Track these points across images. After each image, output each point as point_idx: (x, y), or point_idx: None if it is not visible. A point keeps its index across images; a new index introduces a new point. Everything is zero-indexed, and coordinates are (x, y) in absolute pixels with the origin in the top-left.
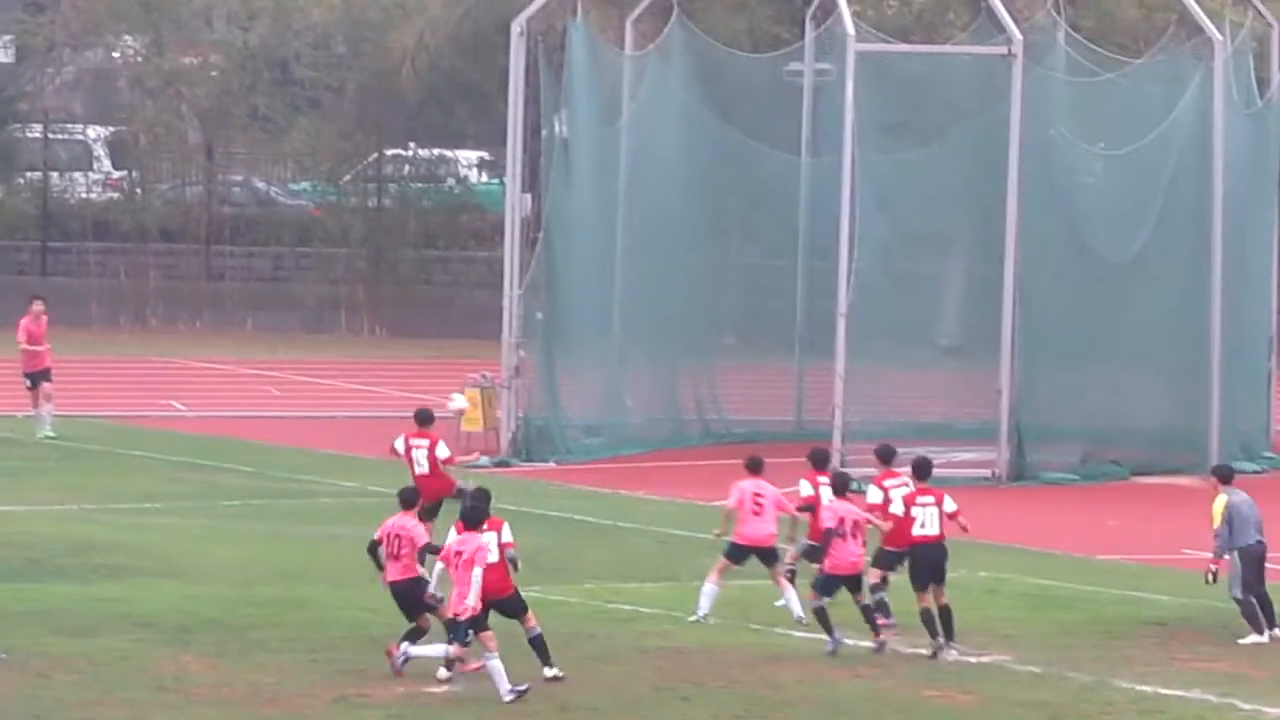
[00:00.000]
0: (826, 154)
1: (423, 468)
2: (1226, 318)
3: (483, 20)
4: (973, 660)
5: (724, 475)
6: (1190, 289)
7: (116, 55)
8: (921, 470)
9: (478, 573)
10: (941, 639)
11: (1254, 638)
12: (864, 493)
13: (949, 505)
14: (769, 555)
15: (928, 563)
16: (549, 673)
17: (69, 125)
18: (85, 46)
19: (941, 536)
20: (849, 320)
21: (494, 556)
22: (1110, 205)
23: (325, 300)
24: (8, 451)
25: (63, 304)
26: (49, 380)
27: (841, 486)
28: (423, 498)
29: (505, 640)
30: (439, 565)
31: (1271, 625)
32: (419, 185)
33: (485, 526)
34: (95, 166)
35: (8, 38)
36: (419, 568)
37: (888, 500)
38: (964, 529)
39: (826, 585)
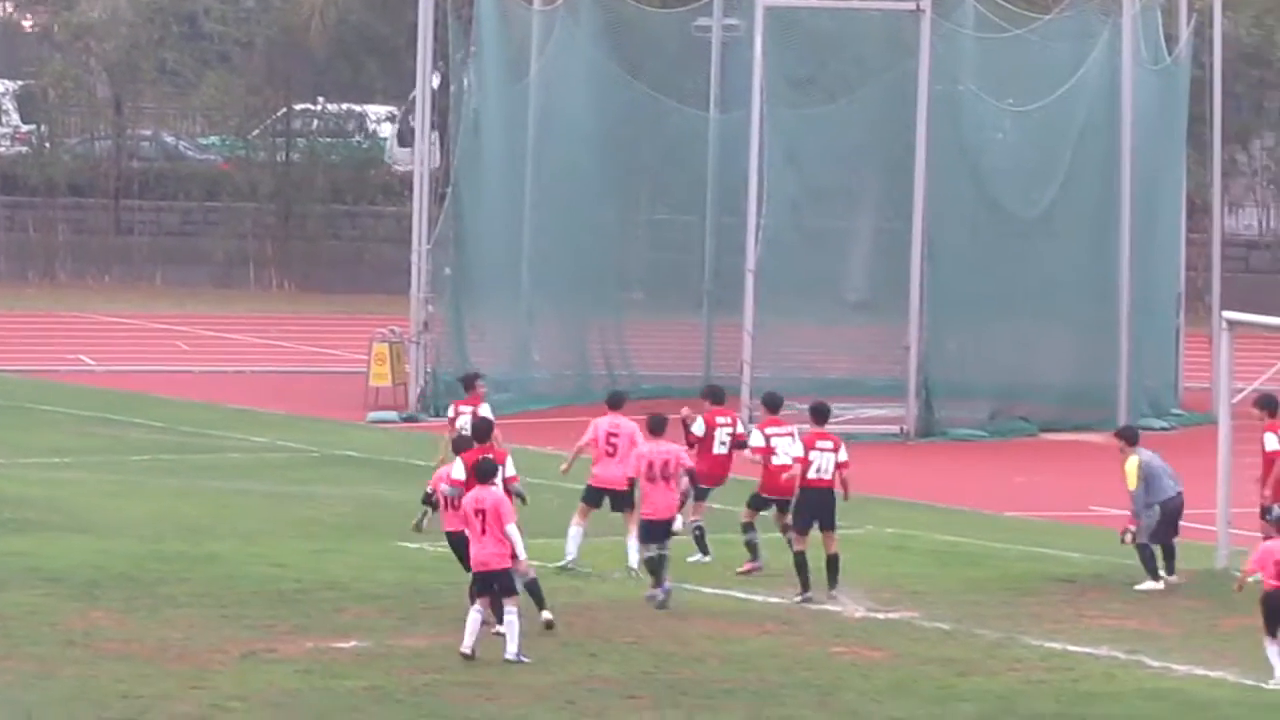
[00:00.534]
0: (735, 109)
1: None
2: (1135, 274)
3: None
4: (880, 617)
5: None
6: (1099, 245)
7: (25, 9)
8: (820, 414)
9: (511, 528)
10: (812, 593)
11: (1149, 584)
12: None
13: (842, 455)
14: (621, 499)
15: (815, 505)
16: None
17: None
18: None
19: (833, 483)
20: (757, 276)
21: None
22: (1018, 161)
23: (234, 255)
24: None
25: None
26: None
27: (656, 427)
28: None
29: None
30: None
31: (1170, 571)
32: (327, 140)
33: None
34: (3, 120)
35: None
36: None
37: (769, 448)
38: (844, 486)
39: (650, 533)
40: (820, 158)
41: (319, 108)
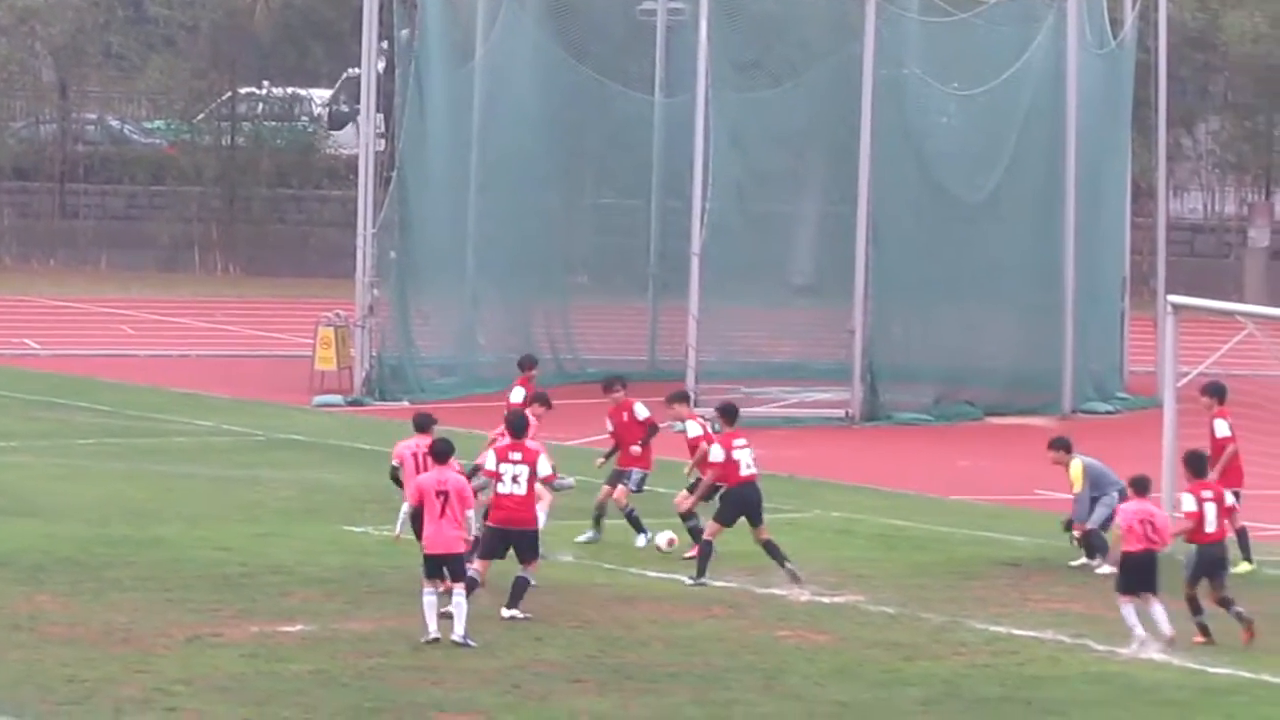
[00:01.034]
0: (680, 93)
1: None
2: (1080, 258)
3: None
4: (826, 600)
5: (579, 415)
6: (1044, 229)
7: None
8: (729, 414)
9: (470, 513)
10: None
11: (1108, 566)
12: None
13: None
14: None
15: (745, 501)
16: (506, 613)
17: None
18: None
19: (755, 477)
20: (702, 260)
21: (522, 489)
22: (963, 146)
23: (179, 239)
24: None
25: None
26: None
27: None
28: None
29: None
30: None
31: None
32: (272, 124)
33: (519, 457)
34: None
35: None
36: None
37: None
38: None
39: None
40: (765, 142)
41: (264, 91)
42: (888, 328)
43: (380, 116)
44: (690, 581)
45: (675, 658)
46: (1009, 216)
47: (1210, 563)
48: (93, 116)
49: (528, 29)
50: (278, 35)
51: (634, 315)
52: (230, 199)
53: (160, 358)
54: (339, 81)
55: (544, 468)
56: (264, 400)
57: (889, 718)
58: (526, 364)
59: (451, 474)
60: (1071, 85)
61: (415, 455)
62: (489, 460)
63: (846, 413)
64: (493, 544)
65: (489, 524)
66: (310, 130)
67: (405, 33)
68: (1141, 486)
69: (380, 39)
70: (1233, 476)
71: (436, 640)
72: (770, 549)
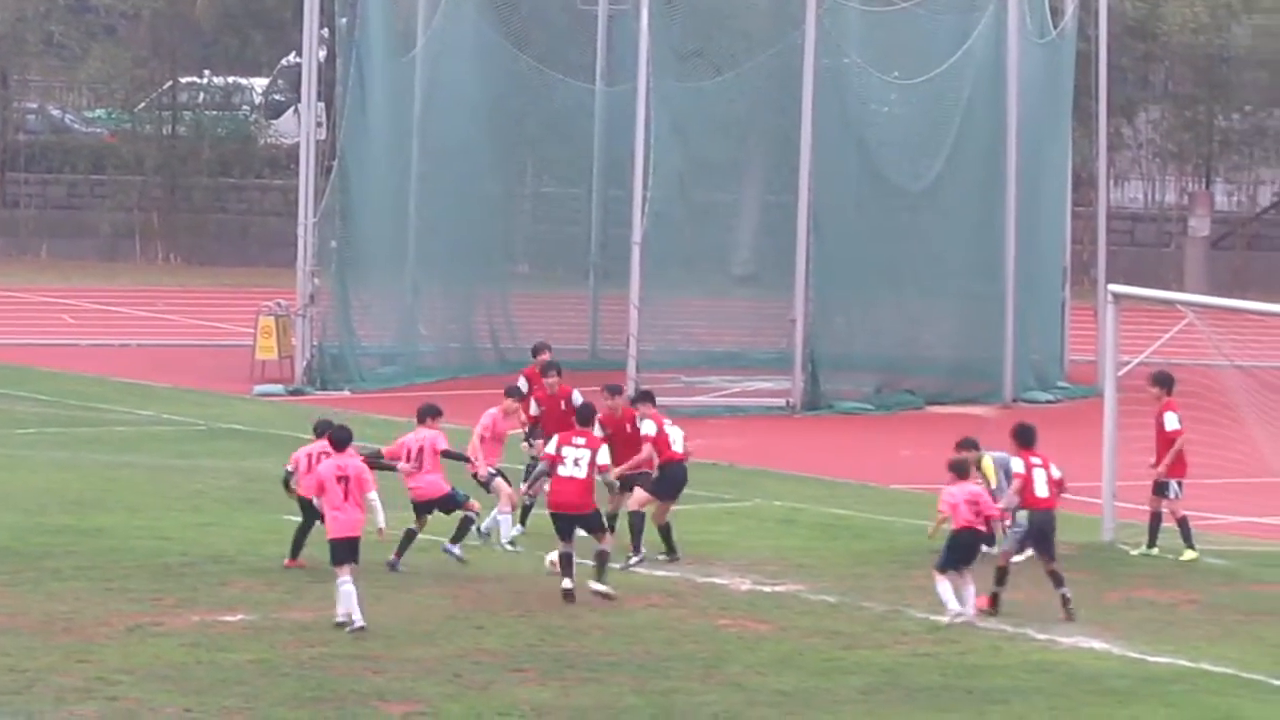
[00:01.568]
0: (621, 83)
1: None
2: (1020, 247)
3: None
4: (767, 589)
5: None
6: (984, 219)
7: None
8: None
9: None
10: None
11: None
12: None
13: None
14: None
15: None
16: (596, 586)
17: None
18: None
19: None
20: (643, 249)
21: (582, 473)
22: (904, 135)
23: (120, 228)
24: None
25: None
26: None
27: (423, 416)
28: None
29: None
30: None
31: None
32: (213, 113)
33: (582, 442)
34: None
35: None
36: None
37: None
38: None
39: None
40: (706, 131)
41: (205, 81)
42: (829, 317)
43: (321, 105)
44: (634, 560)
45: (616, 647)
46: (950, 206)
47: (1040, 529)
48: (34, 105)
49: (469, 18)
50: (219, 24)
51: (575, 304)
52: (171, 188)
53: (101, 347)
54: (275, 70)
55: (604, 456)
56: (205, 390)
57: (830, 706)
58: (537, 351)
59: (350, 459)
60: (1012, 74)
61: (310, 456)
62: (550, 445)
63: (788, 402)
64: (561, 527)
65: (551, 509)
66: (251, 119)
67: (345, 21)
68: (960, 470)
69: (321, 27)
70: (1177, 467)
71: (363, 629)
72: (664, 531)
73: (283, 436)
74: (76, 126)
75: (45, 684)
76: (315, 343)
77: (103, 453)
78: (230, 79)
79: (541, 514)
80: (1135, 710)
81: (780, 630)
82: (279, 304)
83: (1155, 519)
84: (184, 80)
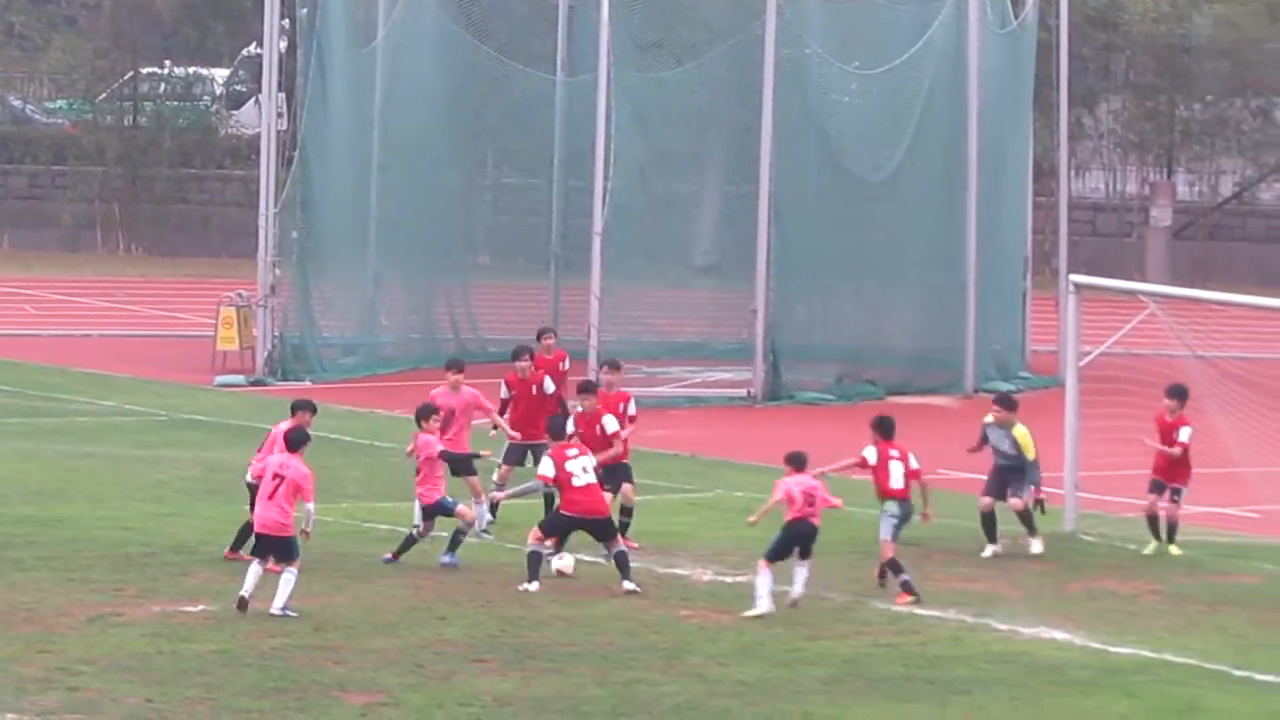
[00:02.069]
0: (582, 73)
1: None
2: (981, 237)
3: None
4: (729, 580)
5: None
6: (945, 209)
7: None
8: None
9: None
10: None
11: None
12: None
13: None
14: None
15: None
16: (628, 585)
17: None
18: None
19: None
20: (604, 240)
21: (593, 478)
22: (865, 125)
23: (81, 218)
24: None
25: None
26: None
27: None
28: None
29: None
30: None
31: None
32: (174, 104)
33: (575, 453)
34: None
35: None
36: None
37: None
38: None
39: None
40: (667, 121)
41: (166, 71)
42: (790, 307)
43: (282, 96)
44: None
45: (577, 637)
46: (911, 196)
47: (901, 518)
48: None
49: (429, 8)
50: (180, 15)
51: (536, 294)
52: (132, 179)
53: (62, 337)
54: (236, 61)
55: (612, 424)
56: (166, 380)
57: (792, 696)
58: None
59: (295, 463)
60: (973, 65)
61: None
62: (546, 468)
63: (749, 392)
64: (560, 526)
65: (563, 510)
66: (212, 110)
67: (305, 12)
68: (798, 462)
69: (282, 18)
70: (1184, 473)
71: (243, 602)
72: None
73: (244, 427)
74: (37, 117)
75: (6, 674)
76: (276, 333)
77: (64, 443)
78: (191, 70)
79: (512, 505)
80: (1097, 701)
81: (742, 621)
82: (240, 295)
83: (1160, 518)
84: (145, 71)
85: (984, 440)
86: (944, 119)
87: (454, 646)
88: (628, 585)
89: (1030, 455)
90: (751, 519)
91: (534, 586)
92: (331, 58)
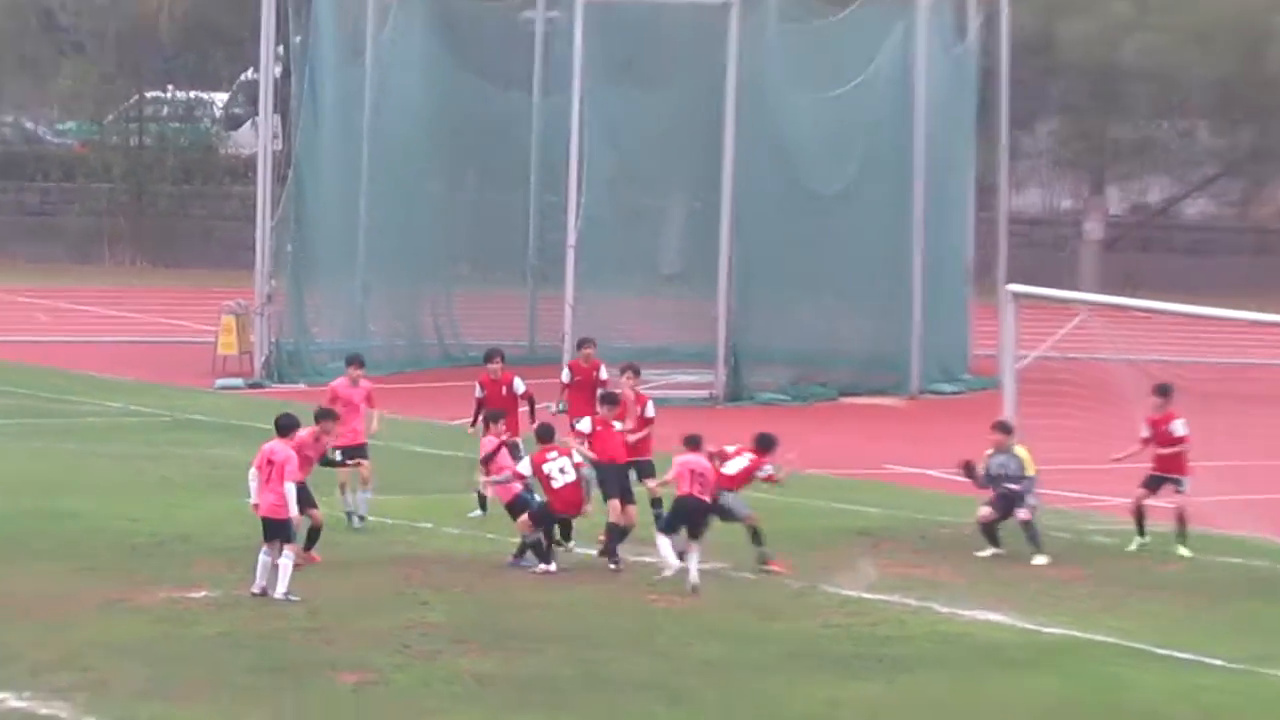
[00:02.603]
0: (557, 94)
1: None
2: (927, 249)
3: None
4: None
5: (462, 396)
6: (894, 222)
7: None
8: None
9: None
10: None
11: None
12: None
13: (576, 458)
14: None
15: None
16: (613, 565)
17: None
18: None
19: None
20: (577, 251)
21: (571, 476)
22: (820, 144)
23: (90, 232)
24: None
25: None
26: None
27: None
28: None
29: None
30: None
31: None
32: (176, 125)
33: (554, 455)
34: None
35: None
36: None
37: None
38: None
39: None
40: (636, 140)
41: (169, 95)
42: (750, 314)
43: (277, 118)
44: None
45: (553, 620)
46: (862, 210)
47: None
48: (8, 119)
49: (416, 33)
50: (181, 42)
51: (514, 303)
52: (138, 195)
53: (73, 344)
54: (234, 85)
55: (577, 456)
56: (170, 383)
57: (751, 673)
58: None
59: (280, 445)
60: (920, 87)
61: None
62: (525, 468)
63: (711, 393)
64: (547, 519)
65: (552, 509)
66: (212, 131)
67: (300, 39)
68: (694, 444)
69: (276, 45)
70: (1183, 465)
71: (262, 594)
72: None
73: (243, 426)
74: (49, 138)
75: (22, 657)
76: (272, 339)
77: (75, 442)
78: (192, 93)
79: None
80: (1032, 677)
81: (706, 604)
82: (239, 303)
83: (1178, 515)
84: (149, 94)
85: (986, 476)
86: (893, 138)
87: (438, 629)
88: (612, 564)
89: (1030, 471)
90: (652, 484)
91: (552, 567)
92: (322, 81)
